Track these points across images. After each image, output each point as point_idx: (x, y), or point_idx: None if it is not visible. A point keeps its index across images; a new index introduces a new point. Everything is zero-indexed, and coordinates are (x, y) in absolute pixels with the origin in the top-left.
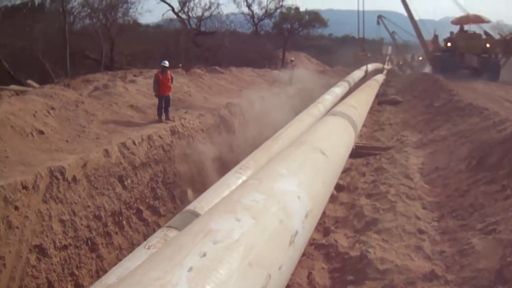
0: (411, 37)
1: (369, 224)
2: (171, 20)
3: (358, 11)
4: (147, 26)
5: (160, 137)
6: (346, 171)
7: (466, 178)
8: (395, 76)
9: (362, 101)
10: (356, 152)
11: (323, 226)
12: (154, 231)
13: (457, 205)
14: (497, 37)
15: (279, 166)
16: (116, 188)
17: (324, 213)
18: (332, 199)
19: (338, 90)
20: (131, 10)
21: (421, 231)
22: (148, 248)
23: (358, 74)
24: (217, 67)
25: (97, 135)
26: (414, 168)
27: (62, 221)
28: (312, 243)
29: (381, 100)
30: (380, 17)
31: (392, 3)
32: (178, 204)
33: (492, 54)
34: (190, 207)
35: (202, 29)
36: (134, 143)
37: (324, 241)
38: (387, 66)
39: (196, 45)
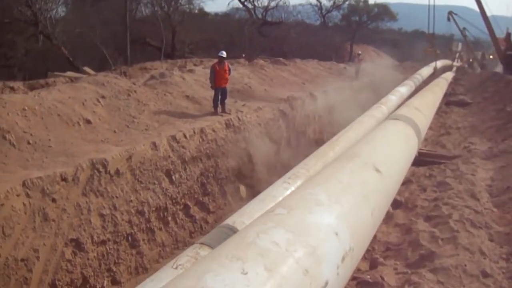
0: (482, 34)
1: (424, 258)
2: (237, 9)
3: (429, 6)
4: (216, 14)
5: (213, 130)
6: (406, 183)
7: None
8: (465, 74)
9: (429, 102)
10: (419, 160)
11: (371, 255)
12: (201, 228)
13: None
14: None
15: (318, 189)
16: (162, 183)
17: (374, 236)
18: (387, 217)
19: (404, 89)
20: None
21: (485, 274)
22: (176, 268)
23: (426, 71)
24: (280, 58)
25: (146, 126)
26: (482, 185)
27: (101, 215)
28: (354, 277)
29: (449, 100)
30: (451, 13)
31: None
32: (229, 201)
33: None
34: (228, 221)
35: (268, 19)
36: (185, 136)
37: (369, 277)
38: (457, 63)
39: (262, 35)
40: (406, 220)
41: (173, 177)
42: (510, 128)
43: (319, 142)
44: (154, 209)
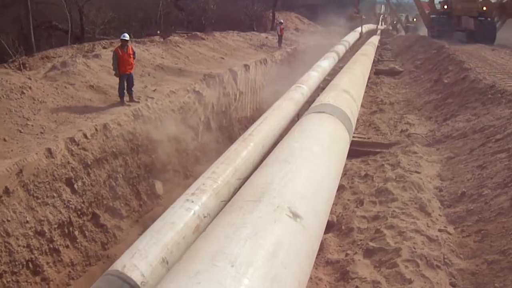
0: None
1: None
2: None
3: None
4: None
5: (119, 124)
6: (337, 189)
7: None
8: (389, 37)
9: (358, 77)
10: (351, 150)
11: None
12: (115, 236)
13: None
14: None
15: (204, 276)
16: (63, 194)
17: None
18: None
19: (326, 63)
20: None
21: None
22: None
23: (352, 37)
24: (197, 33)
25: (42, 129)
26: (430, 188)
27: None
28: None
29: (378, 69)
30: None
31: None
32: (145, 201)
33: (489, 17)
34: (117, 265)
35: None
36: (85, 136)
37: None
38: (381, 26)
39: (179, 9)
40: (340, 254)
41: (76, 186)
42: (449, 104)
43: (241, 121)
44: (56, 226)
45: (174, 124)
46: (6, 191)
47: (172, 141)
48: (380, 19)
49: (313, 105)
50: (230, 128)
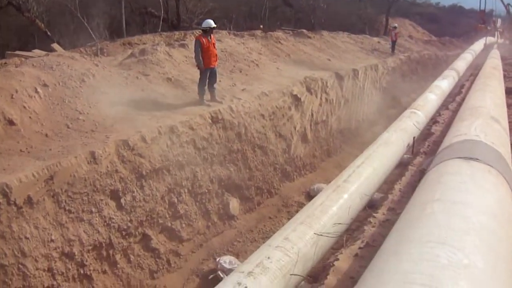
0: None
1: None
2: None
3: None
4: None
5: (191, 128)
6: None
7: None
8: (507, 52)
9: (501, 99)
10: None
11: None
12: (169, 263)
13: None
14: None
15: None
16: (104, 210)
17: None
18: None
19: (445, 84)
20: None
21: None
22: None
23: (478, 47)
24: (304, 30)
25: (94, 126)
26: None
27: (1, 267)
28: None
29: (509, 87)
30: None
31: None
32: (214, 221)
33: None
34: None
35: None
36: (143, 139)
37: None
38: (500, 40)
39: (287, 5)
40: None
41: (123, 200)
42: None
43: (344, 133)
44: (91, 247)
45: (263, 132)
46: (29, 201)
47: (257, 152)
48: (497, 33)
49: (450, 140)
50: (330, 141)
